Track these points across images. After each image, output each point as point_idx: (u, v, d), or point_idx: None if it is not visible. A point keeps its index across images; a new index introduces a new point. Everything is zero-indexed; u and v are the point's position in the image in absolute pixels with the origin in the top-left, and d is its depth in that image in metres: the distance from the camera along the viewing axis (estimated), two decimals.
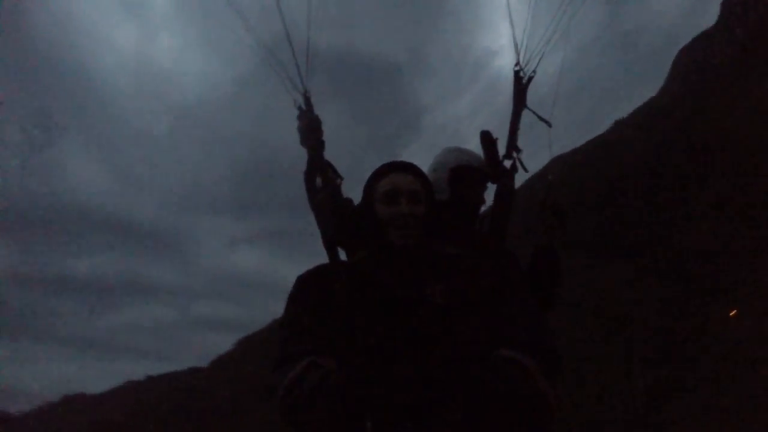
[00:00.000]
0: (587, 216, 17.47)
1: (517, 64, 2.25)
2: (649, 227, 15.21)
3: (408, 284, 1.40)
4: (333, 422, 1.16)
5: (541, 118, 2.26)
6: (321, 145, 2.02)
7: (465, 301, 1.39)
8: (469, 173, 2.16)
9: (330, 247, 1.82)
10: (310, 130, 2.02)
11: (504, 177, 2.17)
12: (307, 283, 1.50)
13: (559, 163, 24.88)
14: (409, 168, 1.59)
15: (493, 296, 1.42)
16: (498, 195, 2.16)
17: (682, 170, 16.27)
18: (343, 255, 1.88)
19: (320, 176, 1.95)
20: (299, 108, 2.06)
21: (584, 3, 2.26)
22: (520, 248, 2.15)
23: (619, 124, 25.88)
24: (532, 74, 2.26)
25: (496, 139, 2.18)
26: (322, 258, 1.83)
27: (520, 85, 2.26)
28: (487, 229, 2.24)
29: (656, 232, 14.76)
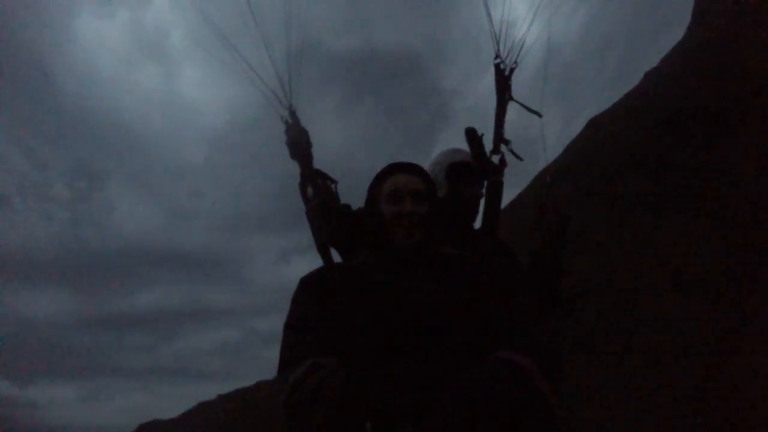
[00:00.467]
0: (638, 171, 16.87)
1: (497, 56, 2.19)
2: (700, 176, 14.56)
3: (408, 285, 1.41)
4: (333, 423, 1.17)
5: (530, 110, 2.21)
6: (310, 157, 2.02)
7: (464, 301, 1.38)
8: (464, 170, 2.14)
9: (323, 252, 1.82)
10: (298, 144, 2.02)
11: (492, 172, 2.12)
12: (310, 285, 1.52)
13: (596, 123, 24.13)
14: (412, 168, 1.60)
15: (493, 297, 1.41)
16: (487, 191, 2.13)
17: (726, 109, 15.48)
18: (337, 258, 1.90)
19: (311, 186, 1.96)
20: (286, 122, 2.05)
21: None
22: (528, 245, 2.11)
23: (650, 75, 24.81)
24: (514, 65, 2.18)
25: (482, 135, 2.15)
26: None
27: (503, 77, 2.19)
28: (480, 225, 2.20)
29: (708, 183, 14.11)
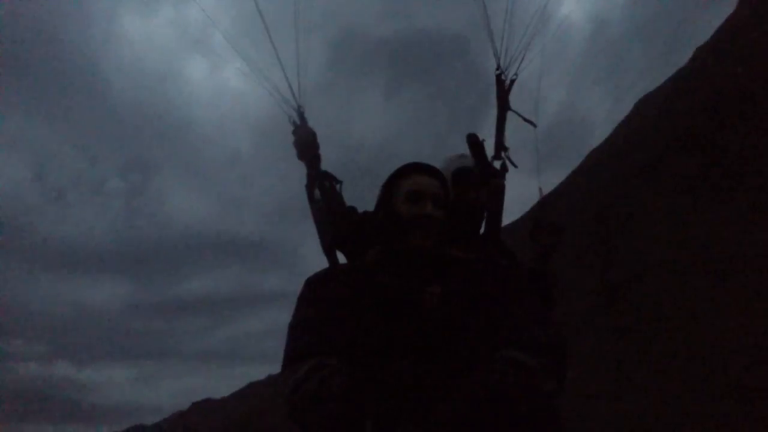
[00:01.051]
0: (686, 153, 16.15)
1: (498, 68, 2.26)
2: (752, 160, 13.77)
3: (412, 286, 1.42)
4: (334, 422, 1.19)
5: (525, 120, 2.27)
6: (317, 158, 2.08)
7: (468, 302, 1.39)
8: (468, 175, 2.20)
9: (329, 253, 1.88)
10: (306, 144, 2.08)
11: (495, 177, 2.17)
12: (315, 285, 1.54)
13: (646, 105, 23.10)
14: (433, 172, 1.60)
15: (497, 297, 1.42)
16: (490, 195, 2.15)
17: None
18: (342, 259, 1.94)
19: (318, 188, 2.02)
20: (294, 123, 2.12)
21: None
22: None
23: (701, 51, 23.47)
24: (514, 77, 2.26)
25: (483, 140, 2.19)
26: None
27: (503, 88, 2.26)
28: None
29: (760, 167, 13.33)
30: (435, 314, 1.36)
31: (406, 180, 1.56)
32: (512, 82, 2.26)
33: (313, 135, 2.11)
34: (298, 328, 1.44)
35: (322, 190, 2.02)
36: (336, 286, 1.48)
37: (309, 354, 1.33)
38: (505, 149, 2.23)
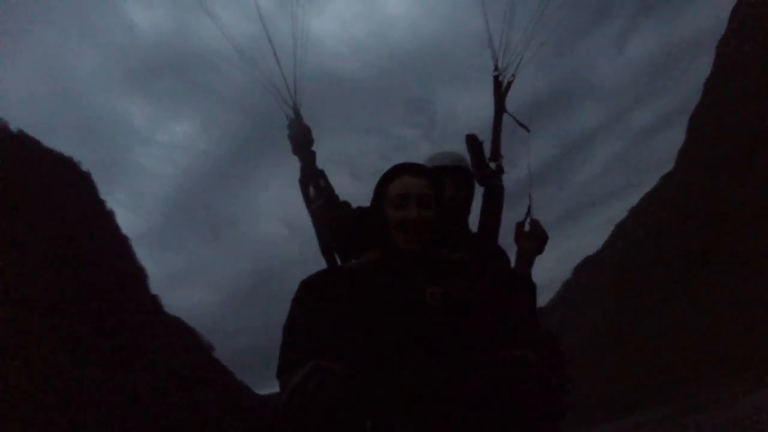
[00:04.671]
0: None
1: (496, 69, 2.29)
2: None
3: (409, 288, 1.42)
4: (334, 423, 1.18)
5: (519, 123, 2.29)
6: (312, 154, 2.09)
7: (464, 302, 1.41)
8: (443, 173, 2.10)
9: (326, 253, 1.87)
10: (301, 139, 2.10)
11: (492, 177, 2.19)
12: (310, 288, 1.51)
13: None
14: (420, 171, 1.58)
15: (493, 297, 1.44)
16: (487, 195, 2.18)
17: None
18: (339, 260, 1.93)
19: (312, 185, 2.02)
20: (289, 118, 2.16)
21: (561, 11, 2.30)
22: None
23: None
24: (511, 79, 2.29)
25: (482, 141, 2.21)
26: None
27: (500, 90, 2.29)
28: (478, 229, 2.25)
29: None
30: (438, 313, 1.37)
31: (394, 183, 1.55)
32: (509, 84, 2.28)
33: (308, 130, 2.13)
34: (293, 331, 1.42)
35: (318, 188, 2.03)
36: (333, 287, 1.47)
37: (305, 357, 1.30)
38: (500, 156, 2.25)
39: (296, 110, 2.16)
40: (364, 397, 1.19)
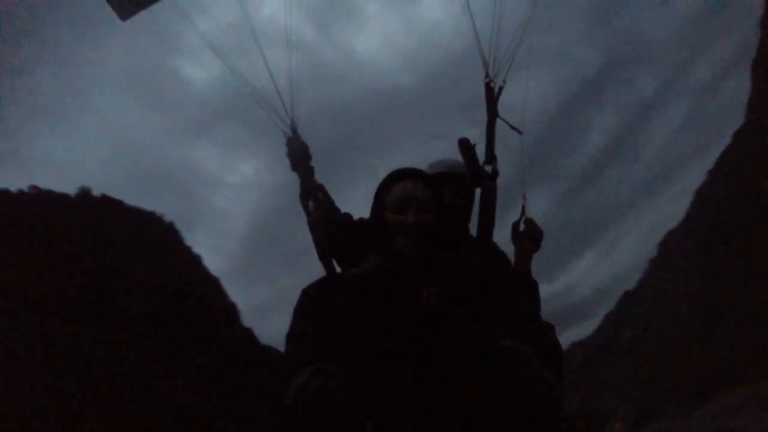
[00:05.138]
0: None
1: (487, 75, 2.32)
2: None
3: (408, 290, 1.45)
4: (335, 424, 1.20)
5: (512, 127, 2.32)
6: (310, 170, 2.18)
7: (465, 300, 1.44)
8: (442, 180, 2.16)
9: (325, 262, 1.92)
10: (299, 156, 2.18)
11: (486, 180, 2.21)
12: (311, 296, 1.55)
13: None
14: (419, 176, 1.62)
15: (490, 295, 1.47)
16: (482, 198, 2.20)
17: None
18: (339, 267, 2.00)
19: (311, 199, 2.11)
20: (287, 136, 2.24)
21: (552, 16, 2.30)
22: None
23: None
24: (503, 84, 2.31)
25: (474, 144, 2.23)
26: None
27: (492, 95, 2.32)
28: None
29: None
30: (435, 312, 1.39)
31: (392, 189, 1.60)
32: (500, 89, 2.31)
33: (306, 147, 2.20)
34: (296, 338, 1.45)
35: (316, 202, 2.10)
36: (333, 294, 1.50)
37: (308, 362, 1.33)
38: (495, 159, 2.28)
39: (293, 128, 2.24)
40: (364, 399, 1.19)
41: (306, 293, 1.56)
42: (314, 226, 1.99)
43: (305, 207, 2.09)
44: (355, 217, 2.15)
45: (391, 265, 1.55)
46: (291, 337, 1.46)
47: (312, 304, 1.52)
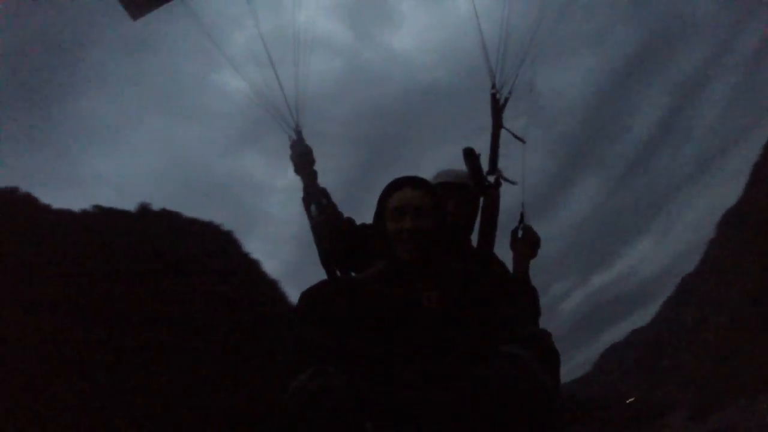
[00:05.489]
0: None
1: (493, 86, 2.36)
2: None
3: (408, 294, 1.48)
4: (335, 424, 1.21)
5: (515, 136, 2.35)
6: (314, 174, 2.20)
7: (465, 304, 1.46)
8: (447, 190, 2.22)
9: (327, 265, 1.94)
10: (303, 160, 2.20)
11: (489, 189, 2.25)
12: (310, 300, 1.59)
13: None
14: (418, 183, 1.65)
15: (489, 301, 1.50)
16: (484, 207, 2.24)
17: None
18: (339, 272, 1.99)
19: (314, 203, 2.13)
20: (291, 140, 2.27)
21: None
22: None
23: None
24: (508, 95, 2.35)
25: (479, 154, 2.26)
26: None
27: (497, 106, 2.36)
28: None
29: None
30: (435, 315, 1.42)
31: (393, 197, 1.62)
32: (506, 100, 2.35)
33: (310, 151, 2.23)
34: (297, 343, 1.48)
35: (319, 206, 2.12)
36: (333, 297, 1.53)
37: (308, 364, 1.35)
38: (498, 169, 2.31)
39: (298, 132, 2.26)
40: (364, 399, 1.22)
41: (304, 298, 1.59)
42: (317, 230, 2.02)
43: (308, 210, 2.12)
44: (358, 222, 2.17)
45: (391, 270, 1.58)
46: (292, 341, 1.51)
47: (310, 308, 1.55)
